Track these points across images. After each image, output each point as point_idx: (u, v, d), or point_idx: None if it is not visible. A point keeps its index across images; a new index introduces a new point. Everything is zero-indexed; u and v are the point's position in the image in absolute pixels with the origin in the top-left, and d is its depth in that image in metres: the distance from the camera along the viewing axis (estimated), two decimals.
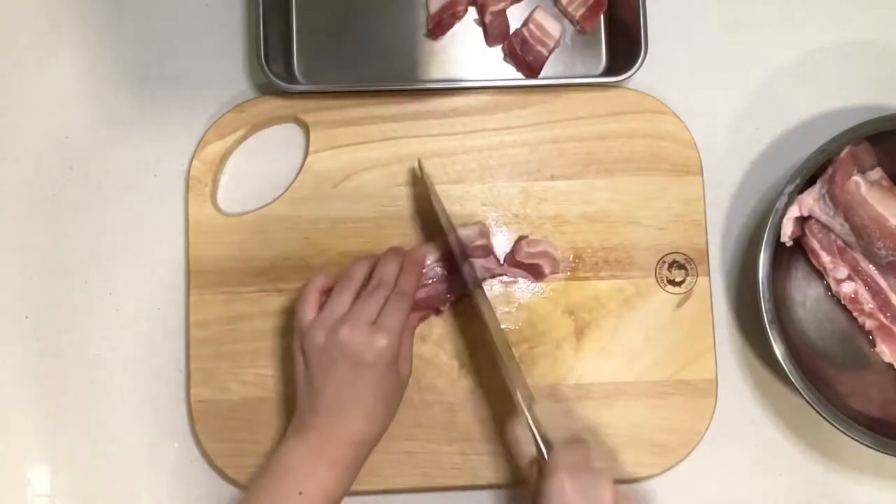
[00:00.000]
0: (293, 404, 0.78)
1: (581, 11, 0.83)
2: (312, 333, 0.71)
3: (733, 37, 0.86)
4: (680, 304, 0.81)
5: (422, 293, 0.76)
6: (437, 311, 0.79)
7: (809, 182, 0.77)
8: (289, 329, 0.78)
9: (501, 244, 0.81)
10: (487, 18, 0.83)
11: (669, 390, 0.79)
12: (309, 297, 0.73)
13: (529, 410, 0.69)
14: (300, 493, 0.67)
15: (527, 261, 0.79)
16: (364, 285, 0.73)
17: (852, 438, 0.74)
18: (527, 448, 0.70)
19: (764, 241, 0.75)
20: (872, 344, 0.81)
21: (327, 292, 0.74)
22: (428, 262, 0.77)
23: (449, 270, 0.77)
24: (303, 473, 0.68)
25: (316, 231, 0.81)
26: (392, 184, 0.81)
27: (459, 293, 0.79)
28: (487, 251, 0.79)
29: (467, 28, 0.84)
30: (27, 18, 0.84)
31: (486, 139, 0.82)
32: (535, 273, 0.80)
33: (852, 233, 0.78)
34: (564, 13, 0.84)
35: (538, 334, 0.80)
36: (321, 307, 0.72)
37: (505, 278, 0.80)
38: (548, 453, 0.67)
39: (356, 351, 0.69)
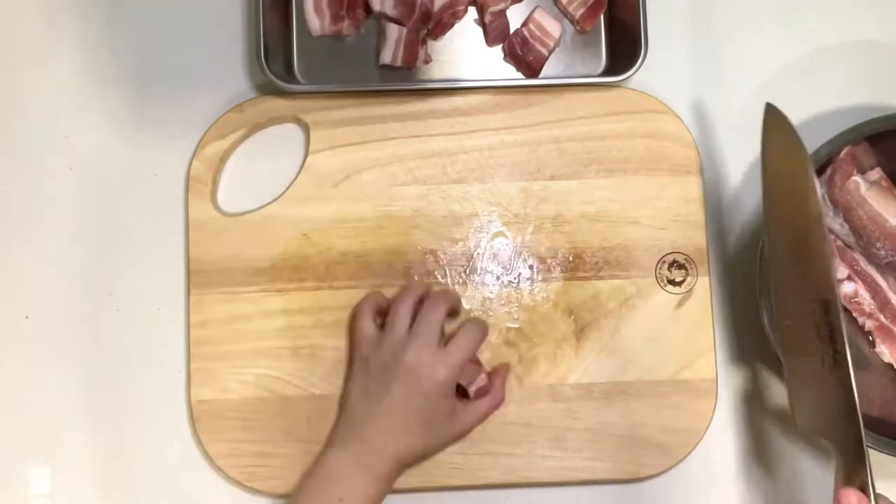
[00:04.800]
0: (294, 404, 0.78)
1: (581, 11, 0.83)
2: (380, 348, 0.74)
3: (733, 37, 0.86)
4: (680, 304, 0.81)
5: None
6: None
7: None
8: (289, 330, 0.79)
9: (506, 244, 0.81)
10: (487, 18, 0.82)
11: (669, 390, 0.79)
12: (368, 310, 0.77)
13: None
14: (341, 499, 0.71)
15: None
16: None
17: None
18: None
19: (764, 241, 0.75)
20: (872, 344, 0.81)
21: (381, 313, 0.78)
22: None
23: None
24: (344, 482, 0.72)
25: (316, 231, 0.81)
26: (392, 184, 0.81)
27: None
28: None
29: (467, 28, 0.84)
30: (27, 18, 0.84)
31: (486, 139, 0.82)
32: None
33: (852, 233, 0.78)
34: (564, 13, 0.84)
35: (538, 334, 0.80)
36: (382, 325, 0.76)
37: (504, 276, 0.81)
38: None
39: (417, 374, 0.72)
